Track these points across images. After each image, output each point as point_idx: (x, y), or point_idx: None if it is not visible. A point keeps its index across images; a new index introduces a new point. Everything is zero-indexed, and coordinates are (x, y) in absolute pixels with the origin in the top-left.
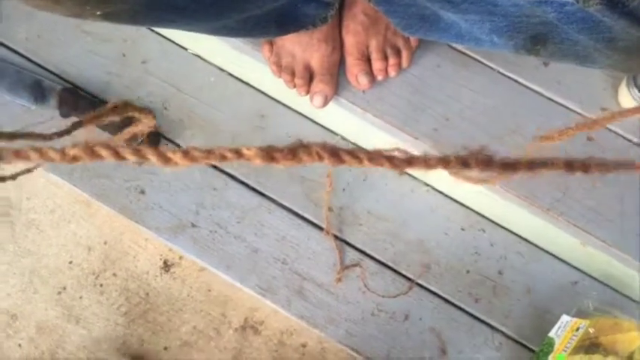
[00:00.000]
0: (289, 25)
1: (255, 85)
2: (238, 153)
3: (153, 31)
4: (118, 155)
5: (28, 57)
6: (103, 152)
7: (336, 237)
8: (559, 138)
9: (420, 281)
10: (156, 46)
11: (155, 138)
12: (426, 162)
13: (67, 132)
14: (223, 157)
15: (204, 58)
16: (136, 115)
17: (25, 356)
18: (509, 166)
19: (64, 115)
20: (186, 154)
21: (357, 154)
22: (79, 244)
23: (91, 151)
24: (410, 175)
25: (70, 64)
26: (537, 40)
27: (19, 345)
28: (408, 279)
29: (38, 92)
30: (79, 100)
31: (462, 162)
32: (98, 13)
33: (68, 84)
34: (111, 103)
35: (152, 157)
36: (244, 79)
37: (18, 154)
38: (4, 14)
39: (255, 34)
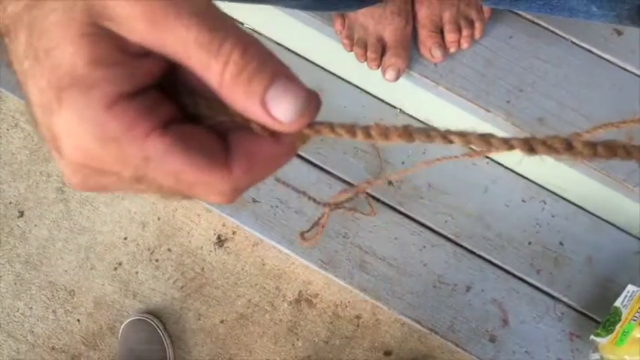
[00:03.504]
0: None
1: (313, 59)
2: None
3: None
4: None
5: None
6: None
7: (396, 210)
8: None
9: (481, 253)
10: None
11: None
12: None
13: None
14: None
15: (261, 33)
16: None
17: (85, 330)
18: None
19: None
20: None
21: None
22: (133, 220)
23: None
24: (471, 148)
25: None
26: None
27: (78, 320)
28: (469, 251)
29: None
30: None
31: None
32: None
33: None
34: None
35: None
36: (301, 54)
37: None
38: None
39: (340, 6)
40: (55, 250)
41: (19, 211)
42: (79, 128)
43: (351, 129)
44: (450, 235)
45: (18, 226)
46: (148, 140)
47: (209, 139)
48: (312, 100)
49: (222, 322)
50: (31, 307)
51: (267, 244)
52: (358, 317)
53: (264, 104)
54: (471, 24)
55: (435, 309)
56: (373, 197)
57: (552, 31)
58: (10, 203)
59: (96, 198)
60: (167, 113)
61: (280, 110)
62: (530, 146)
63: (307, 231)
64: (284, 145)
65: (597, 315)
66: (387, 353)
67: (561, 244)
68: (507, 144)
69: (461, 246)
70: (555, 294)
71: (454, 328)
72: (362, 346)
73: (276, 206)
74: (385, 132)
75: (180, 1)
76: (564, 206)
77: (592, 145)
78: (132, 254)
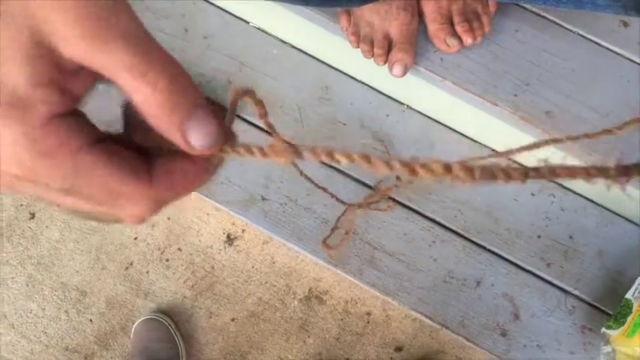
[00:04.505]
0: None
1: (318, 57)
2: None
3: (212, 4)
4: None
5: None
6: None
7: (405, 206)
8: None
9: (491, 247)
10: (217, 21)
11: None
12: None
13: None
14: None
15: (266, 31)
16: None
17: (97, 330)
18: None
19: None
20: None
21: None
22: None
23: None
24: (476, 141)
25: None
26: None
27: (90, 320)
28: (479, 246)
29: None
30: None
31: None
32: None
33: None
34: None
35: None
36: (307, 51)
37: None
38: None
39: (343, 2)
40: (66, 251)
41: (30, 213)
42: (19, 143)
43: (249, 149)
44: (459, 230)
45: (29, 227)
46: (78, 156)
47: (133, 157)
48: (221, 132)
49: (233, 320)
50: (44, 308)
51: (277, 242)
52: (369, 314)
53: (182, 132)
54: (477, 18)
55: (445, 304)
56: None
57: (558, 24)
58: (21, 205)
59: None
60: (96, 133)
61: (195, 139)
62: (411, 168)
63: (328, 237)
64: (199, 165)
65: (608, 307)
66: (398, 349)
67: (571, 237)
68: (388, 165)
69: (470, 241)
70: (566, 287)
71: (465, 323)
72: (373, 343)
73: (285, 204)
74: (279, 151)
75: (115, 23)
76: (574, 199)
77: (470, 170)
78: (142, 254)
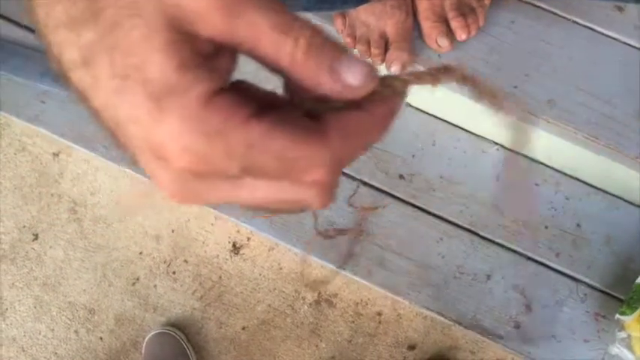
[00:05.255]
0: None
1: None
2: None
3: None
4: None
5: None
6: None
7: (410, 204)
8: None
9: (498, 240)
10: None
11: None
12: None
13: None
14: None
15: None
16: None
17: (108, 348)
18: None
19: None
20: None
21: None
22: (147, 234)
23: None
24: (479, 135)
25: None
26: None
27: (101, 338)
28: (487, 239)
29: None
30: None
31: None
32: None
33: None
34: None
35: None
36: None
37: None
38: None
39: (338, 5)
40: (71, 270)
41: (33, 234)
42: (185, 129)
43: (418, 74)
44: (465, 225)
45: (33, 249)
46: (249, 126)
47: (302, 117)
48: (373, 68)
49: (243, 328)
50: (53, 329)
51: (283, 248)
52: (379, 314)
53: (333, 73)
54: (472, 11)
55: (456, 300)
56: (386, 192)
57: (554, 13)
58: (24, 227)
59: (109, 215)
60: (254, 103)
61: (352, 75)
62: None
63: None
64: (371, 113)
65: (620, 293)
66: (411, 347)
67: (578, 225)
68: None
69: (478, 235)
70: (577, 276)
71: (477, 317)
72: (385, 342)
73: None
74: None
75: None
76: (578, 187)
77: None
78: (149, 268)
